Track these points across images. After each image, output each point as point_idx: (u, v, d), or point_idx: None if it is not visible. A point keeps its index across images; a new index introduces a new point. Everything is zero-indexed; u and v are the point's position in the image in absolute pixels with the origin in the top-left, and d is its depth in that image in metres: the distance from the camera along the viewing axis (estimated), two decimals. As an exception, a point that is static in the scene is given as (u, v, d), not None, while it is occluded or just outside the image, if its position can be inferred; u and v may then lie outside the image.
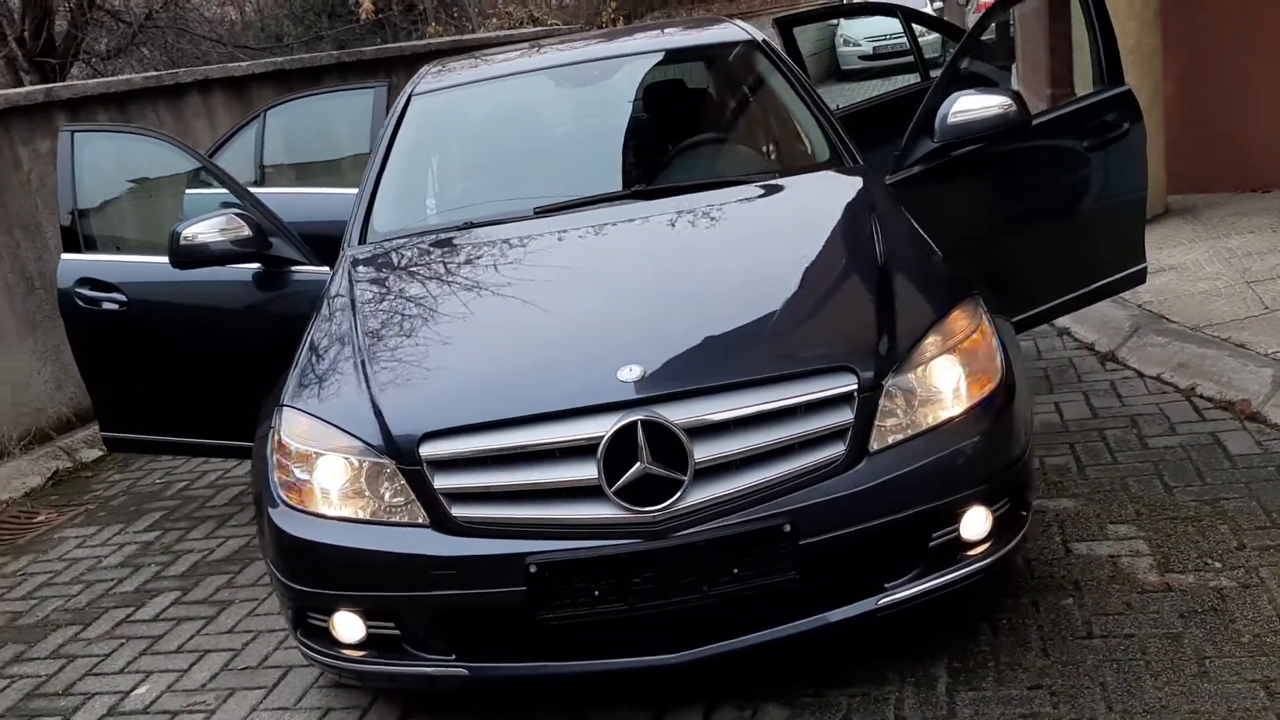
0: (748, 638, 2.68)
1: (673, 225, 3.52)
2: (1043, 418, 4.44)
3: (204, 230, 3.88)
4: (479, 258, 3.56)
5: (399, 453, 2.70)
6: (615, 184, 3.80)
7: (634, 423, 2.59)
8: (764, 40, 4.35)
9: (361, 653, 2.81)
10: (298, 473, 2.83)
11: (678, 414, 2.62)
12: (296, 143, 5.56)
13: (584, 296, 3.15)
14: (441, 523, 2.66)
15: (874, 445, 2.70)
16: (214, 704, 3.28)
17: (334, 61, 8.31)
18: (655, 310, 3.01)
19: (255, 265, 4.06)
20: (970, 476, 2.78)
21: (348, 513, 2.75)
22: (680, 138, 4.12)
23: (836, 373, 2.70)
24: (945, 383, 2.82)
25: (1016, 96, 3.93)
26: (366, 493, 2.75)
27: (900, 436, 2.73)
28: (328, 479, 2.79)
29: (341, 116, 5.51)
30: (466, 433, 2.69)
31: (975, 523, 2.82)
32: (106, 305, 4.33)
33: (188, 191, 5.82)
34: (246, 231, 3.90)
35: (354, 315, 3.26)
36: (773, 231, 3.42)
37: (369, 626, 2.78)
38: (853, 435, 2.68)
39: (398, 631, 2.76)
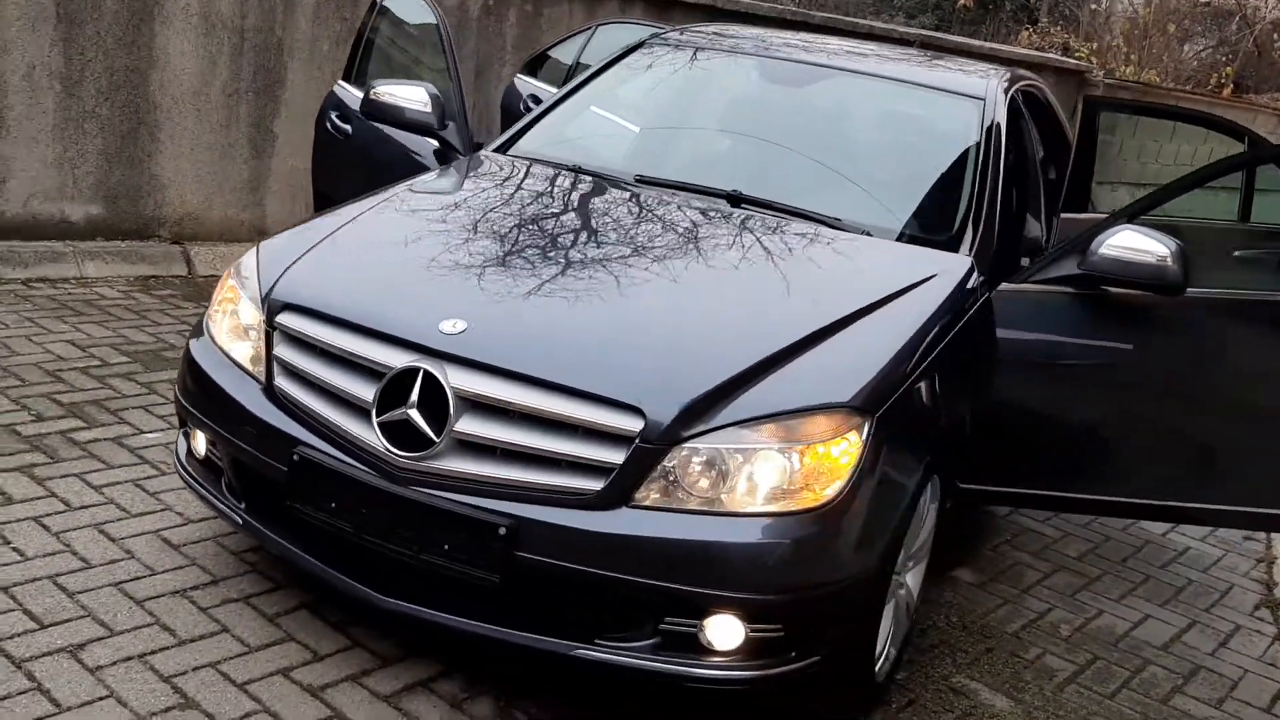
0: (444, 616, 2.68)
1: (710, 233, 3.42)
2: (1113, 620, 3.83)
3: (395, 93, 4.26)
4: (534, 195, 3.66)
5: (269, 313, 2.94)
6: (728, 181, 3.71)
7: (418, 369, 2.65)
8: (992, 112, 3.97)
9: (199, 468, 3.12)
10: (229, 305, 3.14)
11: (463, 380, 2.63)
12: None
13: (525, 256, 3.15)
14: (267, 387, 2.88)
15: (641, 498, 2.57)
16: (168, 470, 3.75)
17: (773, 15, 8.44)
18: (555, 288, 2.97)
19: (434, 142, 4.40)
20: (726, 580, 2.57)
21: (232, 351, 3.02)
22: (832, 162, 3.93)
23: (625, 411, 2.58)
24: (759, 475, 2.59)
25: (1182, 254, 3.36)
26: (251, 340, 3.02)
27: (677, 505, 2.57)
28: (240, 316, 3.09)
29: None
30: (309, 315, 2.87)
31: (724, 630, 2.61)
32: (341, 132, 4.90)
33: (519, 77, 6.38)
34: (428, 109, 4.22)
35: (390, 196, 3.51)
36: (778, 274, 3.22)
37: (208, 450, 3.08)
38: (615, 478, 2.56)
39: (221, 464, 3.04)
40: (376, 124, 4.44)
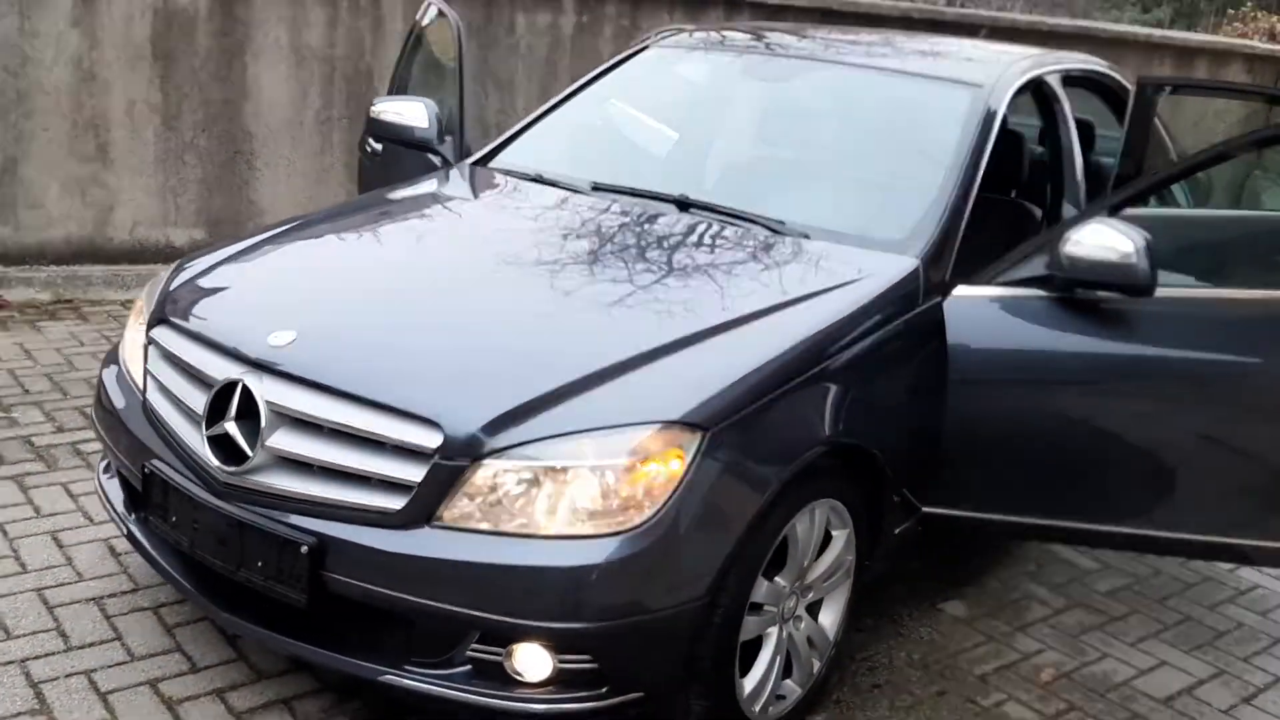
0: (269, 633, 2.64)
1: (623, 240, 3.29)
2: (1115, 665, 3.39)
3: (392, 109, 4.29)
4: (464, 208, 3.61)
5: (148, 327, 2.99)
6: (688, 185, 3.54)
7: (238, 381, 2.63)
8: (987, 100, 3.61)
9: (110, 489, 3.17)
10: (136, 322, 3.18)
11: (275, 393, 2.59)
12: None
13: (404, 269, 3.09)
14: (143, 399, 2.93)
15: (445, 517, 2.45)
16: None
17: (895, 14, 8.03)
18: (409, 301, 2.90)
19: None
20: (528, 607, 2.42)
21: (129, 366, 3.08)
22: (800, 162, 3.69)
23: (423, 424, 2.47)
24: (568, 495, 2.44)
25: (1149, 249, 2.96)
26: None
27: (481, 525, 2.44)
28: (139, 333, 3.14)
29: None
30: (174, 329, 2.90)
31: (531, 660, 2.48)
32: (375, 151, 4.98)
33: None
34: (424, 123, 4.23)
35: (326, 213, 3.53)
36: (666, 282, 3.03)
37: (115, 471, 3.14)
38: (416, 496, 2.46)
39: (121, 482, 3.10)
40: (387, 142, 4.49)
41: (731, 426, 2.54)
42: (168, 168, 6.03)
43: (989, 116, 3.59)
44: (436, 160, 4.30)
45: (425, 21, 5.21)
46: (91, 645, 3.00)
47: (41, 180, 5.72)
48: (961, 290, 3.22)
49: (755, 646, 2.78)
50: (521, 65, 6.88)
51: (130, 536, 2.99)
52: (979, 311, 3.20)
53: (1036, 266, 3.19)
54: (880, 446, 2.94)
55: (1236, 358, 3.21)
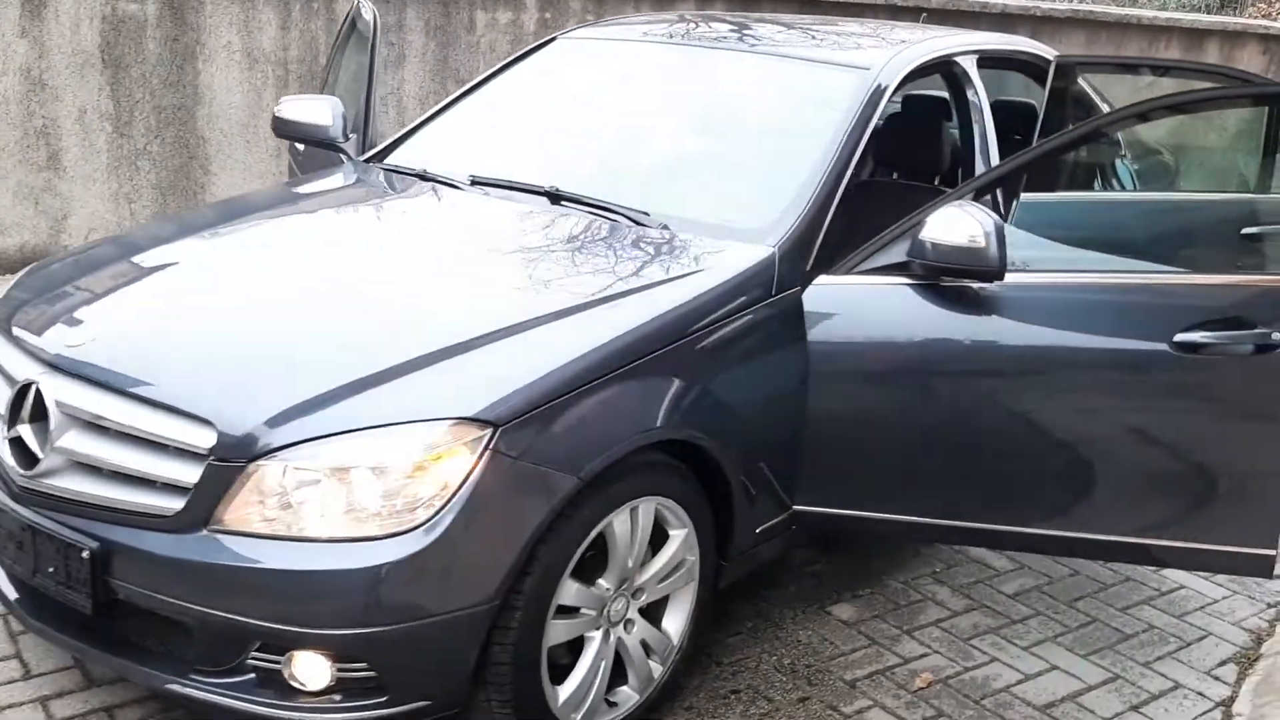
0: (72, 640, 2.58)
1: (468, 235, 3.23)
2: (1000, 670, 3.23)
3: (294, 108, 4.23)
4: (331, 204, 3.55)
5: None
6: (564, 178, 3.44)
7: (32, 383, 2.57)
8: (874, 83, 3.48)
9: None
10: None
11: (67, 394, 2.53)
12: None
13: (234, 268, 3.04)
14: None
15: (222, 520, 2.37)
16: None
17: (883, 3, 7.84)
18: (223, 300, 2.83)
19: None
20: (298, 613, 2.34)
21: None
22: (678, 152, 3.58)
23: (197, 423, 2.40)
24: (343, 495, 2.35)
25: (999, 232, 2.82)
26: None
27: (256, 528, 2.36)
28: None
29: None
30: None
31: (309, 668, 2.39)
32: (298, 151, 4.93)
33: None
34: (326, 120, 4.15)
35: (189, 217, 3.48)
36: (491, 275, 2.95)
37: None
38: (193, 498, 2.38)
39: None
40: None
41: (529, 422, 2.44)
42: (121, 174, 6.05)
43: (873, 100, 3.45)
44: (343, 158, 4.25)
45: (359, 19, 5.18)
46: (-70, 653, 2.98)
47: (-7, 189, 5.77)
48: (823, 279, 3.08)
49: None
50: (483, 63, 6.81)
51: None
52: (841, 301, 3.07)
53: (898, 253, 3.05)
54: (719, 443, 2.81)
55: (1116, 343, 3.04)
